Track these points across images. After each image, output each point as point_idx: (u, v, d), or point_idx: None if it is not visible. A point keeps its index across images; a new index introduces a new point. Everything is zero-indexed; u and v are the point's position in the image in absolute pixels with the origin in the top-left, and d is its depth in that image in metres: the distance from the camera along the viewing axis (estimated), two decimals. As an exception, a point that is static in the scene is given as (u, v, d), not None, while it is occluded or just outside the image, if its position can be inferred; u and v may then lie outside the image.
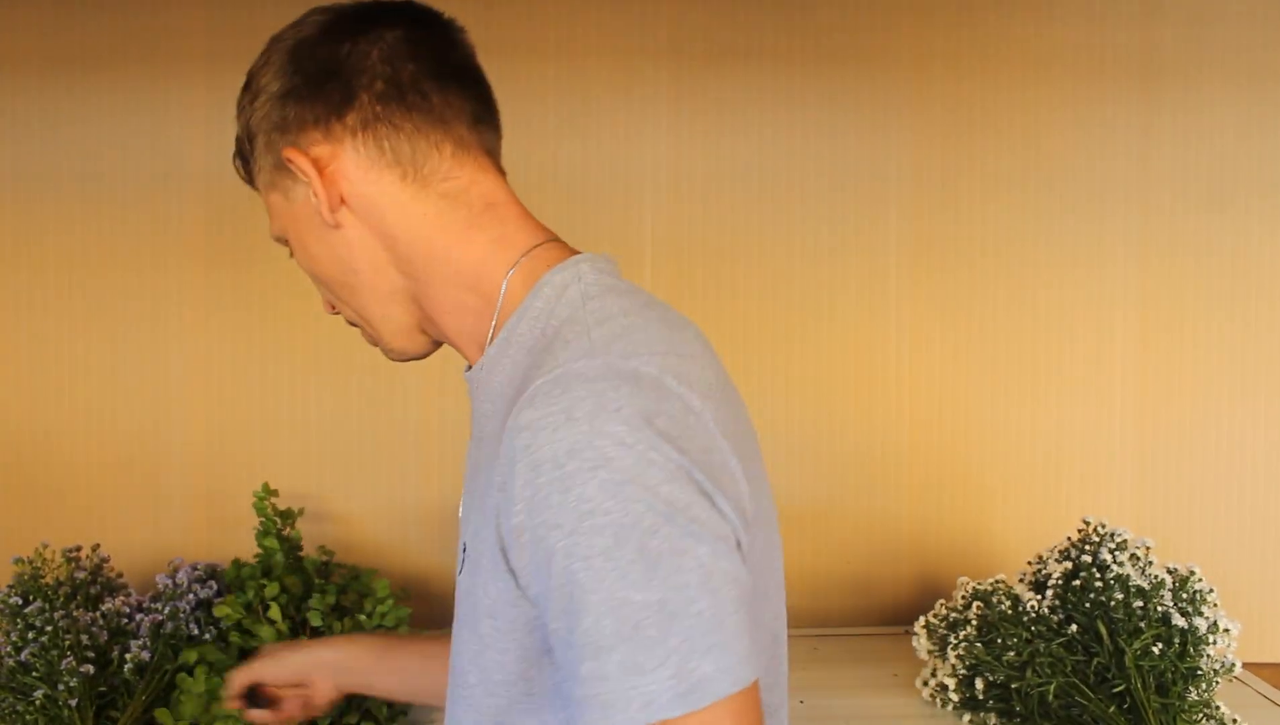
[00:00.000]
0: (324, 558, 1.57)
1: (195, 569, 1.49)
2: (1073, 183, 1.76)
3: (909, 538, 1.79)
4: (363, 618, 1.45)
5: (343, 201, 0.77)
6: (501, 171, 0.82)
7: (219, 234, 1.71)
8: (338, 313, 0.87)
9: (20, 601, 1.41)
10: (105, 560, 1.52)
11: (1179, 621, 1.31)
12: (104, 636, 1.39)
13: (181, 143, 1.70)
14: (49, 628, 1.36)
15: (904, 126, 1.75)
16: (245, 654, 1.33)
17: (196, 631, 1.40)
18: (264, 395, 1.74)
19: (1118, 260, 1.76)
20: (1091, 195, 1.76)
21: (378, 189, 0.76)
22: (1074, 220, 1.76)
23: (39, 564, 1.46)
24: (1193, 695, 1.28)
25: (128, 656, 1.36)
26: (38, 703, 1.32)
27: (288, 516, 1.59)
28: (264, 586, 1.40)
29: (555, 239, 0.80)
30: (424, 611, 1.74)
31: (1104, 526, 1.45)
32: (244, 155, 0.86)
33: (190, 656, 1.33)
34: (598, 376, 0.63)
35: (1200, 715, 1.28)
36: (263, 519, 1.55)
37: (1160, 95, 1.76)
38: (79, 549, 1.51)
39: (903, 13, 1.74)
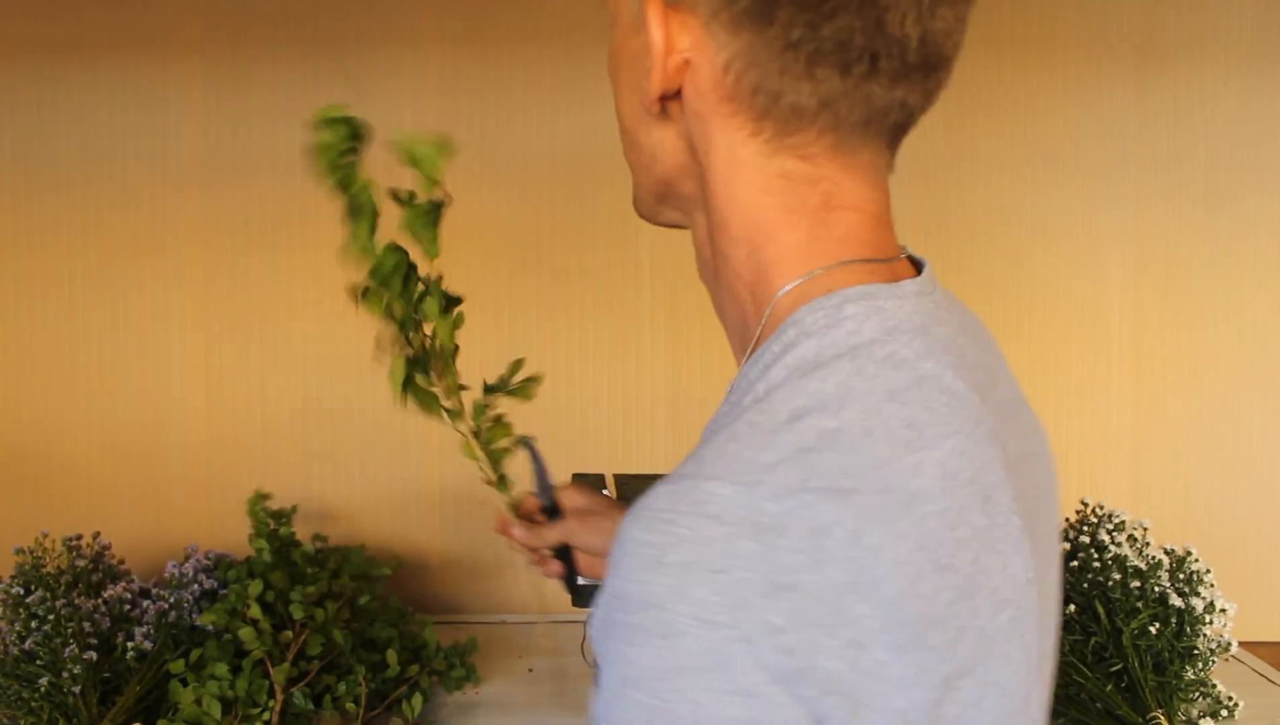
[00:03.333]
0: (318, 544, 1.57)
1: (207, 557, 1.49)
2: (1069, 165, 1.76)
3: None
4: (363, 601, 1.46)
5: (677, 96, 0.60)
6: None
7: (217, 222, 1.71)
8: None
9: (22, 591, 1.41)
10: (106, 547, 1.52)
11: (1176, 601, 1.32)
12: (106, 623, 1.40)
13: (179, 131, 1.70)
14: (51, 616, 1.37)
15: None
16: (241, 654, 1.33)
17: (200, 623, 1.41)
18: (263, 383, 1.74)
19: (1113, 242, 1.77)
20: (1087, 177, 1.76)
21: (723, 123, 0.59)
22: (1069, 202, 1.76)
23: (40, 554, 1.46)
24: (1189, 674, 1.29)
25: (130, 645, 1.36)
26: (42, 690, 1.32)
27: (280, 516, 1.59)
28: (246, 586, 1.40)
29: (878, 260, 0.60)
30: (424, 592, 1.75)
31: (1101, 508, 1.46)
32: None
33: (178, 666, 1.33)
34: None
35: (1196, 693, 1.29)
36: (255, 522, 1.55)
37: (1157, 77, 1.76)
38: (79, 538, 1.51)
39: (899, -5, 1.74)
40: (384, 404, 1.79)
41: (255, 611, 1.33)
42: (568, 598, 1.15)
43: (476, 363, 1.72)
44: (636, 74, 0.62)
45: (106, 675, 1.37)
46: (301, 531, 1.61)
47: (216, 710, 1.23)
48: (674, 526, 0.48)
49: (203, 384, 1.73)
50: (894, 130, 0.60)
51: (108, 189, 1.70)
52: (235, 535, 1.71)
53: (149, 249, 1.71)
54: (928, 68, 0.58)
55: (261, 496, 1.60)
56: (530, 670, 1.55)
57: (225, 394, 1.74)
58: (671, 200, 0.67)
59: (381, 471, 1.76)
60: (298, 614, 1.35)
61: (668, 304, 1.75)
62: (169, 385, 1.73)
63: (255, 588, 1.39)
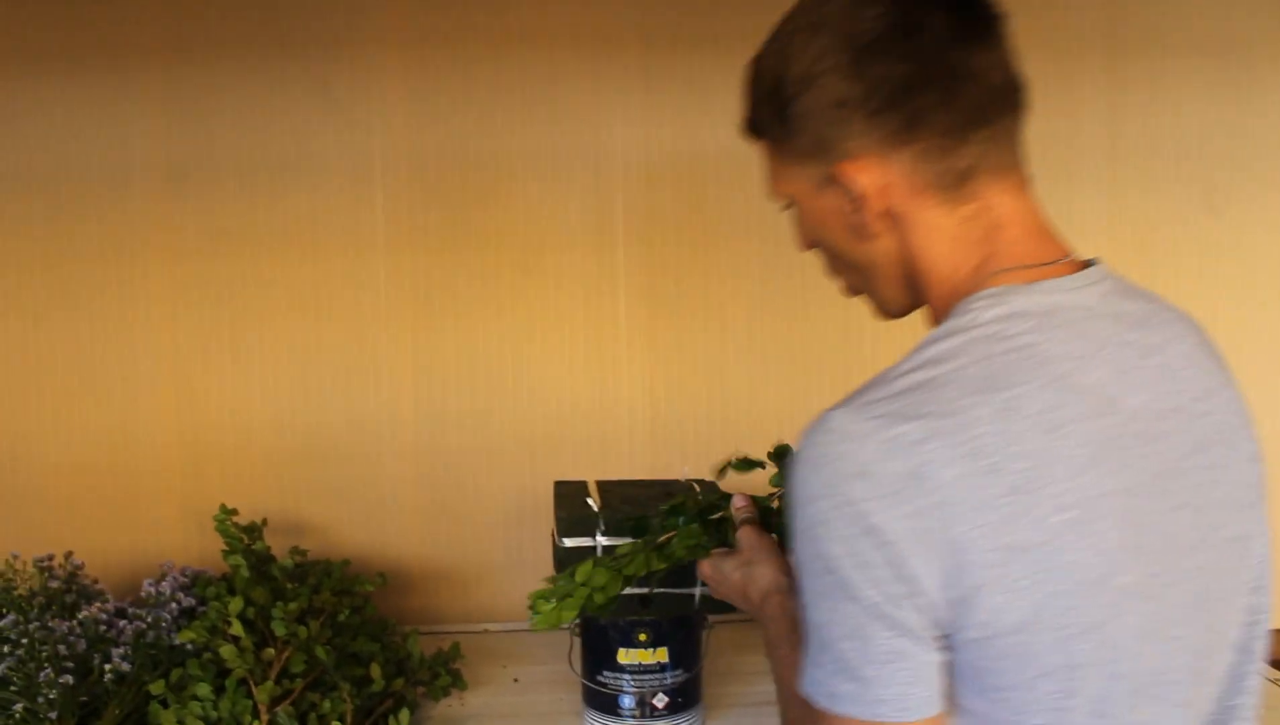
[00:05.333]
0: (297, 558, 1.55)
1: (183, 575, 1.46)
2: (1041, 162, 1.76)
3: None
4: (343, 617, 1.44)
5: (886, 213, 0.81)
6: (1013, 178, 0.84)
7: (182, 231, 1.68)
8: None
9: (-6, 614, 1.37)
10: (79, 567, 1.49)
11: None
12: (82, 645, 1.37)
13: (140, 134, 1.66)
14: (25, 640, 1.33)
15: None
16: (222, 674, 1.31)
17: (179, 642, 1.38)
18: (235, 390, 1.71)
19: (1088, 239, 1.77)
20: (1060, 175, 1.77)
21: (918, 210, 0.81)
22: (1044, 200, 1.76)
23: (10, 576, 1.43)
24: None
25: (107, 667, 1.33)
26: (18, 716, 1.29)
27: (252, 531, 1.56)
28: (227, 603, 1.37)
29: (1030, 266, 0.80)
30: (403, 603, 1.73)
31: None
32: (779, 119, 0.84)
33: (158, 687, 1.30)
34: None
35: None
36: (227, 539, 1.52)
37: (1126, 71, 1.76)
38: (51, 557, 1.48)
39: (870, -7, 1.73)
40: (358, 412, 1.78)
41: (237, 629, 1.31)
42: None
43: (453, 364, 1.71)
44: (840, 221, 0.84)
45: (84, 699, 1.33)
46: (277, 544, 1.58)
47: (200, 733, 1.21)
48: (809, 437, 0.74)
49: (172, 395, 1.70)
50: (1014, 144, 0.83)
51: (67, 199, 1.66)
52: (211, 550, 1.67)
53: (114, 259, 1.67)
54: (1006, 91, 0.82)
55: (228, 512, 1.57)
56: (516, 680, 1.53)
57: (196, 405, 1.71)
58: (909, 286, 0.86)
59: (357, 481, 1.74)
60: (280, 631, 1.33)
61: (646, 308, 1.74)
62: (137, 397, 1.70)
63: (236, 605, 1.36)
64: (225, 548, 1.52)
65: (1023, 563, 0.69)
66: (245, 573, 1.44)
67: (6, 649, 1.34)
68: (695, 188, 1.73)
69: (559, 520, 1.28)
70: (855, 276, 0.89)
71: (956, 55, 0.78)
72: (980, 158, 0.79)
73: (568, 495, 1.36)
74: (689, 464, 1.72)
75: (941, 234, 0.80)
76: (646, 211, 1.73)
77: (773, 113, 0.84)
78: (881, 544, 0.69)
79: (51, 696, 1.30)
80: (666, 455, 1.75)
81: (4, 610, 1.39)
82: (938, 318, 0.83)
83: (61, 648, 1.35)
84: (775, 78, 0.83)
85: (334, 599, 1.45)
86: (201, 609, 1.42)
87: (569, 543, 1.26)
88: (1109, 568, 0.71)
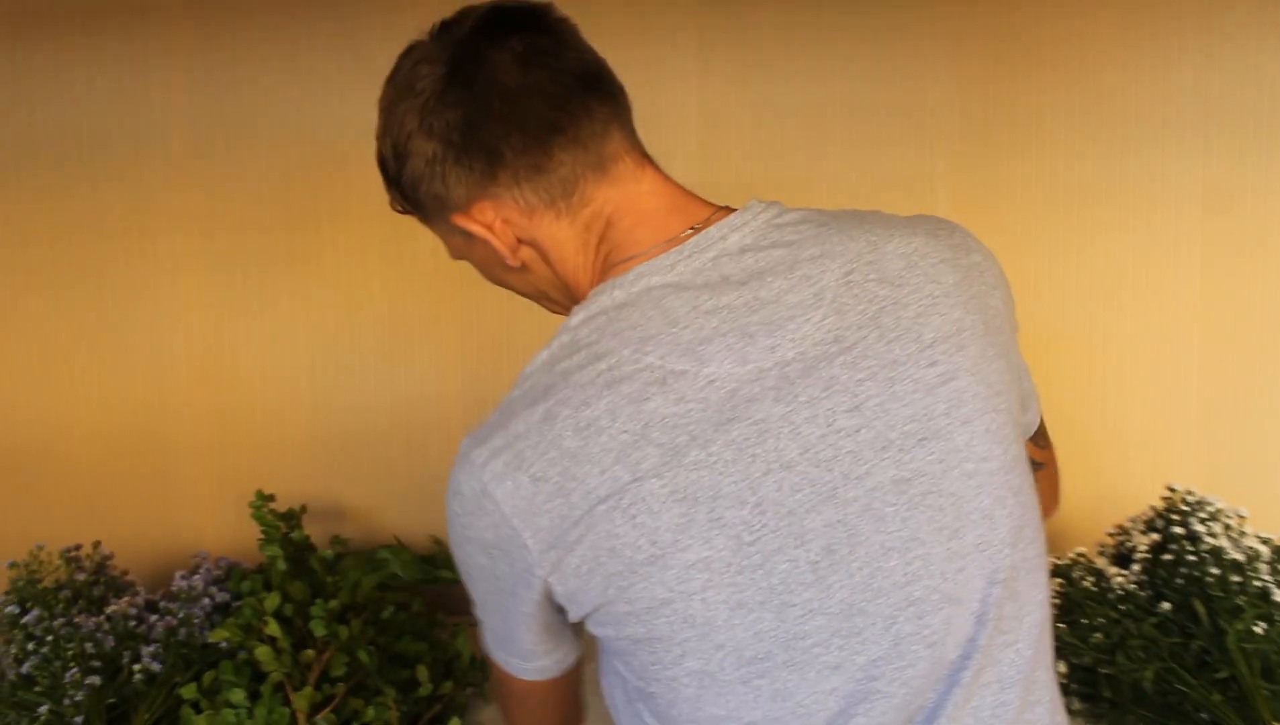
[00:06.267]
0: (337, 550, 1.45)
1: (216, 567, 1.37)
2: (1131, 119, 1.62)
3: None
4: (387, 614, 1.34)
5: (519, 243, 0.84)
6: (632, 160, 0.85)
7: (211, 200, 1.57)
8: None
9: (17, 609, 1.29)
10: (108, 558, 1.40)
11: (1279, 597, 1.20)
12: (110, 643, 1.28)
13: (165, 101, 1.56)
14: (50, 637, 1.25)
15: (947, 61, 1.61)
16: (258, 676, 1.22)
17: (212, 641, 1.29)
18: (270, 366, 1.61)
19: (1180, 203, 1.63)
20: (1152, 132, 1.62)
21: (542, 231, 0.83)
22: (1133, 160, 1.63)
23: (36, 567, 1.34)
24: (1302, 678, 1.18)
25: (136, 667, 1.25)
26: (42, 719, 1.21)
27: (290, 518, 1.47)
28: (262, 599, 1.28)
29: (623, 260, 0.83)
30: (447, 591, 1.63)
31: (1191, 494, 1.34)
32: (403, 194, 0.88)
33: (189, 690, 1.21)
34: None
35: (1310, 699, 1.18)
36: (264, 528, 1.43)
37: (1222, 20, 1.61)
38: (78, 548, 1.39)
39: (950, -64, 1.59)
40: (400, 390, 1.67)
41: (273, 629, 1.22)
42: None
43: (504, 338, 1.60)
44: (496, 262, 0.87)
45: (112, 700, 1.25)
46: (314, 530, 1.49)
47: (236, 744, 1.12)
48: None
49: (202, 373, 1.61)
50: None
51: (87, 168, 1.56)
52: (245, 536, 1.59)
53: (139, 231, 1.58)
54: (574, 93, 0.82)
55: (265, 498, 1.48)
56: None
57: (227, 383, 1.61)
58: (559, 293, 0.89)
59: (399, 463, 1.64)
60: (319, 631, 1.23)
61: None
62: (168, 376, 1.60)
63: (272, 601, 1.27)
64: (261, 537, 1.43)
65: (576, 555, 0.73)
66: (282, 565, 1.34)
67: (31, 647, 1.26)
68: (755, 143, 1.60)
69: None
70: (546, 303, 0.92)
71: (506, 79, 0.79)
72: (575, 163, 0.81)
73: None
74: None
75: (569, 245, 0.83)
76: (702, 167, 1.60)
77: (397, 191, 0.87)
78: (477, 553, 0.78)
79: (78, 699, 1.21)
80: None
81: (28, 605, 1.30)
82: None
83: (89, 646, 1.26)
84: (382, 156, 0.87)
85: (377, 594, 1.35)
86: (236, 604, 1.33)
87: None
88: (662, 546, 0.71)
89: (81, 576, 1.35)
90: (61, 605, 1.30)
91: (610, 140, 0.82)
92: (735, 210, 0.81)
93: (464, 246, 0.88)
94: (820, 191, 1.60)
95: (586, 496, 0.72)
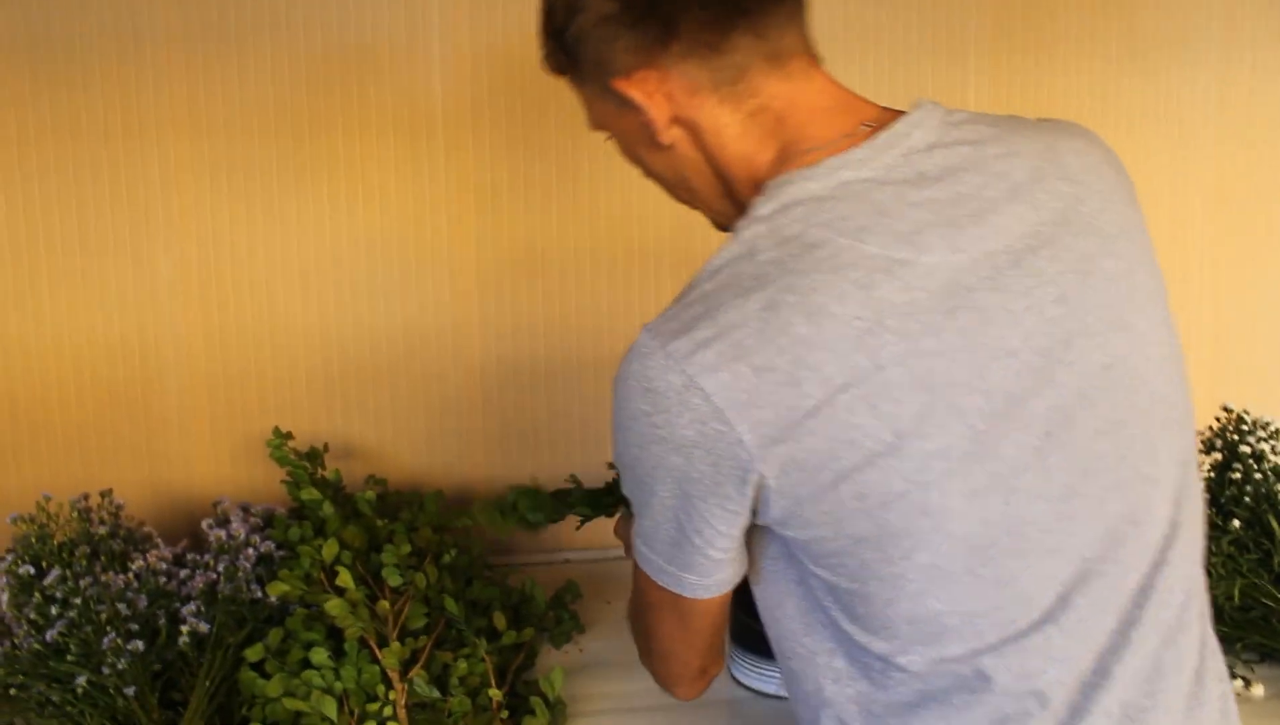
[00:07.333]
0: (376, 489, 1.34)
1: (250, 512, 1.24)
2: (1150, 40, 1.62)
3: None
4: (448, 558, 1.24)
5: (673, 121, 0.83)
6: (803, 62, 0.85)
7: (206, 104, 1.40)
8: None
9: (33, 570, 1.13)
10: (120, 508, 1.25)
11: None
12: (142, 602, 1.14)
13: (150, -11, 1.37)
14: (77, 599, 1.10)
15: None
16: (335, 635, 1.11)
17: (260, 593, 1.16)
18: (271, 292, 1.45)
19: (1196, 124, 1.65)
20: (1173, 54, 1.63)
21: (703, 113, 0.82)
22: (1151, 80, 1.63)
23: (44, 521, 1.18)
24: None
25: (184, 628, 1.12)
26: (79, 691, 1.07)
27: (314, 457, 1.35)
28: (320, 548, 1.17)
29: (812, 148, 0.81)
30: (471, 533, 1.54)
31: (1247, 414, 1.37)
32: (563, 49, 0.86)
33: (255, 652, 1.09)
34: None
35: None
36: (289, 468, 1.30)
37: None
38: (87, 498, 1.23)
39: None
40: (416, 320, 1.55)
41: (345, 579, 1.10)
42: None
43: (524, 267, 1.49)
44: (642, 136, 0.86)
45: (157, 668, 1.12)
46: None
47: (331, 708, 1.01)
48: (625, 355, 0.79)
49: (198, 299, 1.44)
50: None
51: (66, 67, 1.35)
52: (247, 483, 1.46)
53: (122, 136, 1.38)
54: None
55: (283, 436, 1.35)
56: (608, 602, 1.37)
57: (225, 311, 1.45)
58: (726, 193, 0.87)
59: (416, 399, 1.52)
60: (394, 580, 1.13)
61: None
62: (155, 303, 1.43)
63: (331, 549, 1.16)
64: (287, 478, 1.31)
65: (804, 448, 0.71)
66: (329, 509, 1.22)
67: (55, 611, 1.11)
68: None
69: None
70: (681, 192, 0.91)
71: None
72: (750, 51, 0.80)
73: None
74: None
75: (731, 133, 0.82)
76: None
77: (557, 45, 0.87)
78: (671, 451, 0.73)
79: (121, 667, 1.08)
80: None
81: (45, 563, 1.15)
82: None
83: (121, 606, 1.12)
84: (549, 9, 0.86)
85: (435, 538, 1.25)
86: (280, 554, 1.21)
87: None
88: (903, 436, 0.71)
89: (101, 530, 1.20)
90: (82, 563, 1.15)
91: (788, 35, 0.82)
92: (900, 110, 0.83)
93: (610, 116, 0.88)
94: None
95: (823, 385, 0.70)
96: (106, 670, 1.07)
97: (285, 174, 1.43)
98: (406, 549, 1.16)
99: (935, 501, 0.72)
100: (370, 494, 1.28)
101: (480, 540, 1.34)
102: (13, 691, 1.09)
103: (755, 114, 0.82)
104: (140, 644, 1.09)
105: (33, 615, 1.11)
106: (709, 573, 0.81)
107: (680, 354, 0.72)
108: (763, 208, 0.77)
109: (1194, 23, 1.62)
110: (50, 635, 1.09)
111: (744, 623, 1.18)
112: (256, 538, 1.20)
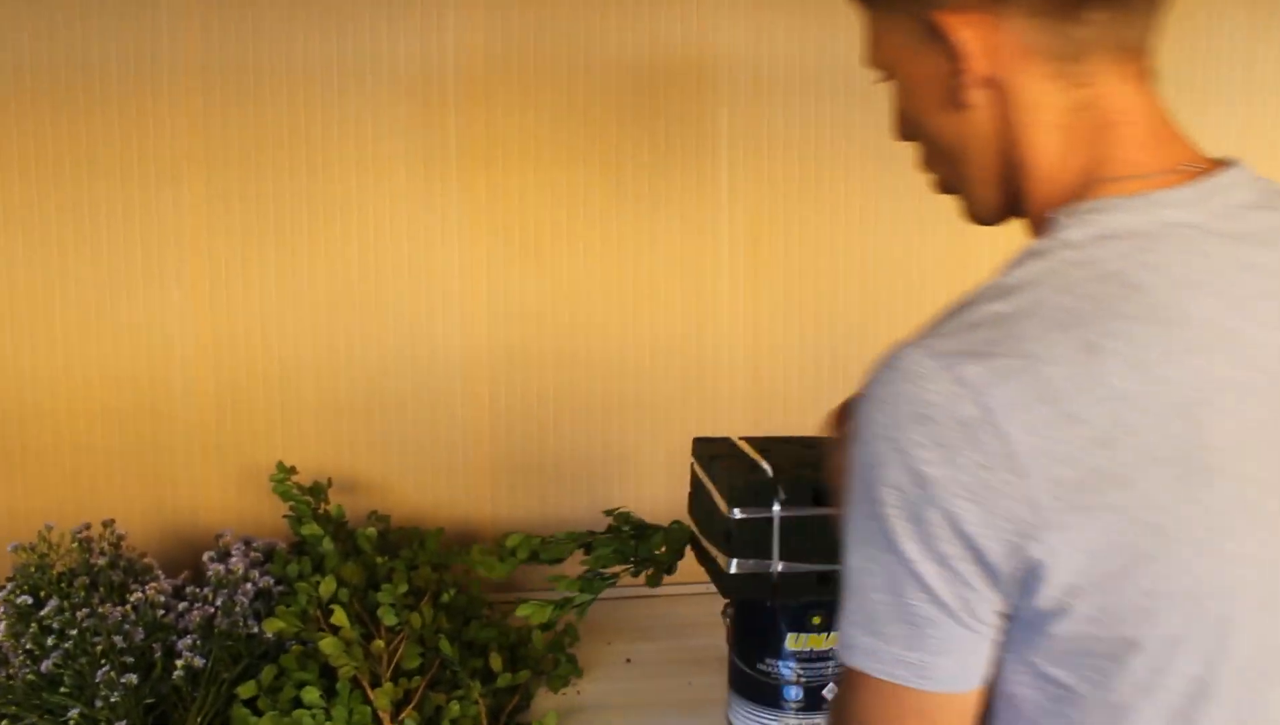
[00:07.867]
0: (378, 526, 1.33)
1: (251, 546, 1.24)
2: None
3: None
4: (446, 598, 1.23)
5: (987, 81, 0.70)
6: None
7: (221, 140, 1.41)
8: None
9: (31, 600, 1.14)
10: (122, 538, 1.25)
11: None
12: (139, 635, 1.14)
13: (171, 26, 1.38)
14: (73, 630, 1.10)
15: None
16: (329, 674, 1.10)
17: (256, 628, 1.16)
18: (280, 326, 1.46)
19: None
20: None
21: (1024, 81, 0.70)
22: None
23: (45, 551, 1.19)
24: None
25: (178, 662, 1.11)
26: (72, 723, 1.07)
27: (317, 492, 1.35)
28: (318, 585, 1.16)
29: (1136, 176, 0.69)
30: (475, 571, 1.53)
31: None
32: None
33: (249, 689, 1.09)
34: None
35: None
36: (292, 503, 1.30)
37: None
38: (88, 527, 1.24)
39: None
40: (423, 354, 1.55)
41: (340, 618, 1.10)
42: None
43: (534, 301, 1.50)
44: (935, 87, 0.72)
45: (150, 700, 1.12)
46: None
47: (319, 748, 1.00)
48: (877, 373, 0.65)
49: (208, 331, 1.45)
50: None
51: (84, 102, 1.38)
52: (252, 515, 1.46)
53: (138, 172, 1.40)
54: None
55: (286, 470, 1.35)
56: (628, 661, 1.35)
57: (234, 343, 1.46)
58: (1012, 201, 0.75)
59: (423, 432, 1.52)
60: (389, 619, 1.12)
61: (748, 238, 1.55)
62: (166, 334, 1.44)
63: (329, 586, 1.15)
64: (290, 513, 1.31)
65: (1101, 522, 0.61)
66: (329, 545, 1.22)
67: (51, 641, 1.11)
68: (807, 95, 1.53)
69: (730, 488, 1.10)
70: (948, 167, 0.78)
71: None
72: (1102, 32, 0.68)
73: (722, 456, 1.17)
74: (790, 413, 1.56)
75: (1047, 117, 0.70)
76: (750, 118, 1.52)
77: None
78: (935, 497, 0.61)
79: (114, 699, 1.07)
80: (769, 401, 1.57)
81: (43, 594, 1.15)
82: (1033, 230, 0.74)
83: (117, 639, 1.12)
84: None
85: (435, 576, 1.25)
86: (279, 589, 1.21)
87: (740, 514, 1.09)
88: (1214, 530, 0.62)
89: (100, 561, 1.20)
90: (80, 593, 1.15)
91: (1146, 32, 0.71)
92: (1218, 160, 0.73)
93: (907, 55, 0.74)
94: (875, 141, 1.53)
95: (1139, 453, 0.61)
96: (99, 703, 1.07)
97: (294, 210, 1.44)
98: (404, 588, 1.16)
99: (1226, 611, 0.64)
100: (371, 531, 1.28)
101: (479, 580, 1.33)
102: (4, 723, 1.09)
103: (1080, 107, 0.70)
104: (134, 678, 1.09)
105: (29, 645, 1.11)
106: (957, 653, 0.65)
107: (976, 382, 0.61)
108: (1073, 232, 0.67)
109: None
110: (45, 666, 1.09)
111: (742, 670, 1.16)
112: (255, 572, 1.20)
